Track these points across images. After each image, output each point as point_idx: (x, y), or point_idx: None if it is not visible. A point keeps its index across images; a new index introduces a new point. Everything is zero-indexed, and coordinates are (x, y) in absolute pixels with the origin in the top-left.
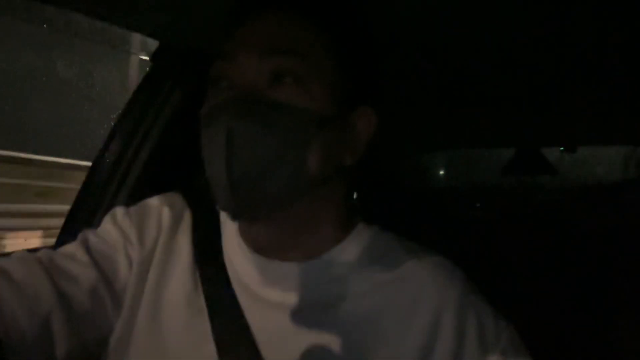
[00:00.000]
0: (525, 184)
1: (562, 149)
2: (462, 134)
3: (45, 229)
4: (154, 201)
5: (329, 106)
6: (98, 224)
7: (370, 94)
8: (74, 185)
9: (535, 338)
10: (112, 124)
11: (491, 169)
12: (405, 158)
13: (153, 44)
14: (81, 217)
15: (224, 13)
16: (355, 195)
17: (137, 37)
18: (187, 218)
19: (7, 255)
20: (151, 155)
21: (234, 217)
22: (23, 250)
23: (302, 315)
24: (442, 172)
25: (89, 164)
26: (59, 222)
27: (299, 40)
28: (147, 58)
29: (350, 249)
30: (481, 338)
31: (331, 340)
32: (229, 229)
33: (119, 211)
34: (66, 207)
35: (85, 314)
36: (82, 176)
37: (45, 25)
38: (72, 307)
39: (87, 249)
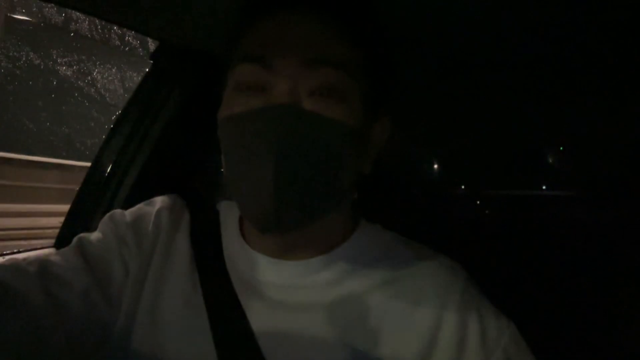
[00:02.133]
0: (526, 183)
1: (561, 148)
2: (462, 133)
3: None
4: (152, 203)
5: (361, 119)
6: (96, 226)
7: (390, 104)
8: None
9: (537, 336)
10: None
11: (491, 169)
12: (405, 158)
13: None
14: (79, 218)
15: (225, 12)
16: (355, 195)
17: None
18: (185, 219)
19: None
20: (150, 156)
21: (266, 229)
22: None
23: (305, 313)
24: (442, 172)
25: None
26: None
27: (341, 52)
28: None
29: (353, 248)
30: (483, 336)
31: (334, 339)
32: (229, 229)
33: (117, 213)
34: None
35: (78, 319)
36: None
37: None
38: (65, 312)
39: (82, 253)
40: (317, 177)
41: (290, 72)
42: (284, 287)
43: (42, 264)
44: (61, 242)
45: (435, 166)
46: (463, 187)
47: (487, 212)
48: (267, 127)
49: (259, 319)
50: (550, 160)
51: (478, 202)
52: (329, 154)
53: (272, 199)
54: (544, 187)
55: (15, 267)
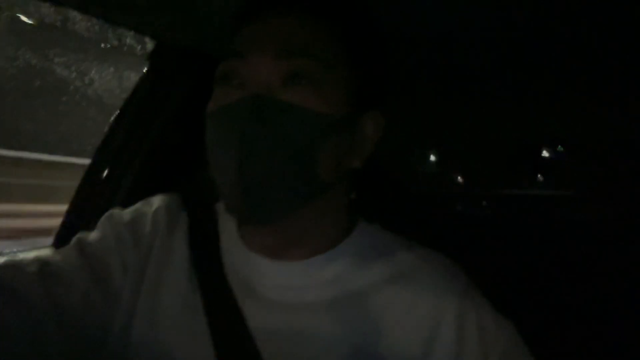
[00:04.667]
0: (525, 183)
1: (561, 148)
2: (463, 133)
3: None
4: (150, 202)
5: (341, 110)
6: (94, 226)
7: (379, 98)
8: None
9: (536, 337)
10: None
11: (491, 168)
12: (405, 158)
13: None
14: (78, 218)
15: (222, 13)
16: (354, 194)
17: None
18: (183, 219)
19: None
20: (148, 156)
21: (243, 221)
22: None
23: (303, 313)
24: (442, 171)
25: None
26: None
27: (315, 42)
28: None
29: (351, 248)
30: (481, 337)
31: (332, 339)
32: (227, 229)
33: (115, 213)
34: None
35: (78, 319)
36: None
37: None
38: (65, 312)
39: (81, 253)
40: (284, 165)
41: (262, 63)
42: (282, 288)
43: (42, 264)
44: (60, 242)
45: (435, 166)
46: (464, 187)
47: (487, 212)
48: (232, 118)
49: (257, 319)
50: (550, 160)
51: (484, 203)
52: (297, 141)
53: (239, 187)
54: (543, 187)
55: (14, 267)
